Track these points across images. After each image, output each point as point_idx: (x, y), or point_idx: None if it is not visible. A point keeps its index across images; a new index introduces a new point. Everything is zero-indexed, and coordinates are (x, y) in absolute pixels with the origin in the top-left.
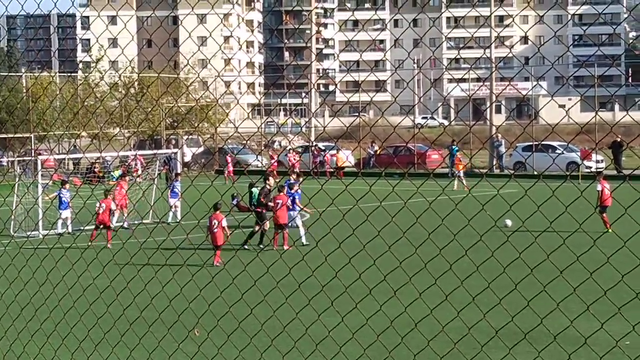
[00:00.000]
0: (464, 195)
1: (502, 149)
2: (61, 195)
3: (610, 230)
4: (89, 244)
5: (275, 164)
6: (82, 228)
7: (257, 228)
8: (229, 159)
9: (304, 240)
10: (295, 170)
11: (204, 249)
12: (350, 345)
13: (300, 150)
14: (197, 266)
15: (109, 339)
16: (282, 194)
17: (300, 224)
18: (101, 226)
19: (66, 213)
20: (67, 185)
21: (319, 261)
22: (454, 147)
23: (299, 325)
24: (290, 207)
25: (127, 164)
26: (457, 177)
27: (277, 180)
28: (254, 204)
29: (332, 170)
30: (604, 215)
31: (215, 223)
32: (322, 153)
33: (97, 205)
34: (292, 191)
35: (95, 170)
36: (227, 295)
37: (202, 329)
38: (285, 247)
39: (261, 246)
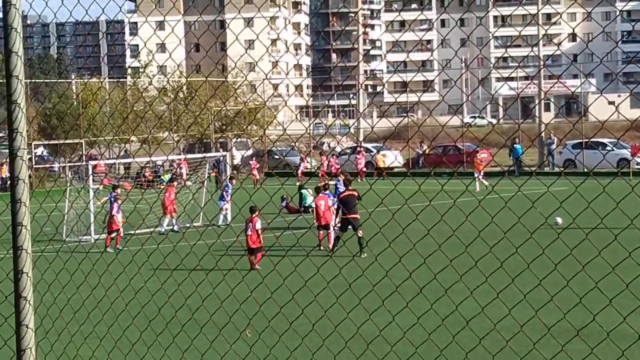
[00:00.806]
0: (512, 194)
1: (553, 146)
2: (112, 199)
3: None
4: (106, 249)
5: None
6: (132, 232)
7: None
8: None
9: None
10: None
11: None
12: (402, 345)
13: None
14: (247, 268)
15: (161, 341)
16: (322, 194)
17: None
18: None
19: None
20: (118, 190)
21: (369, 261)
22: (517, 145)
23: (350, 325)
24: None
25: (173, 169)
26: (477, 179)
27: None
28: (304, 206)
29: (374, 171)
30: None
31: (250, 226)
32: (369, 154)
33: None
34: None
35: (146, 174)
36: (277, 296)
37: (253, 330)
38: (331, 248)
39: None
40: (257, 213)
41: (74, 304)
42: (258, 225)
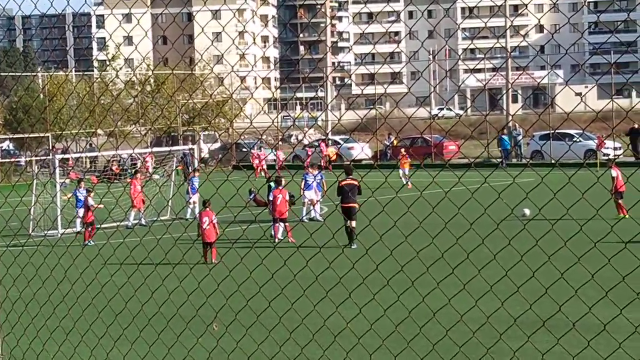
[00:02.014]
0: (478, 186)
1: (520, 138)
2: (77, 194)
3: (627, 216)
4: (86, 243)
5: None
6: (98, 226)
7: (348, 223)
8: (261, 154)
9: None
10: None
11: (220, 244)
12: (369, 337)
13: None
14: (215, 262)
15: (128, 335)
16: (280, 188)
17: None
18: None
19: (82, 212)
20: (83, 184)
21: (335, 253)
22: (505, 137)
23: (317, 317)
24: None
25: (137, 162)
26: (404, 175)
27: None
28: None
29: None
30: (620, 201)
31: (205, 220)
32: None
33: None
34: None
35: (113, 168)
36: (244, 290)
37: (220, 324)
38: (291, 240)
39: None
40: (209, 207)
41: (40, 298)
42: (215, 219)
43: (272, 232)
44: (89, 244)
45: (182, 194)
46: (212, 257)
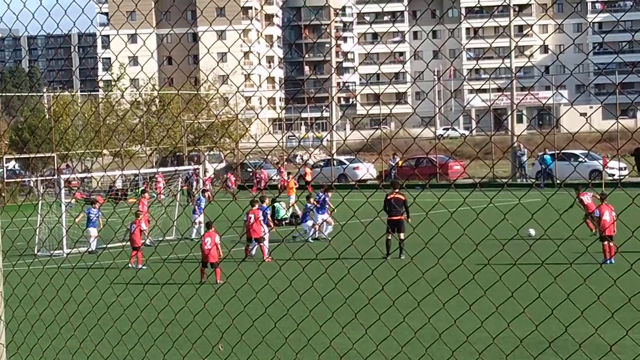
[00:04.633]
0: (483, 206)
1: (524, 158)
2: (90, 214)
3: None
4: (130, 265)
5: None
6: (105, 246)
7: (389, 236)
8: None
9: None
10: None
11: (227, 261)
12: (375, 358)
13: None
14: (221, 282)
15: (134, 356)
16: (255, 208)
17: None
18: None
19: (94, 231)
20: (97, 205)
21: (341, 273)
22: (547, 156)
23: (323, 338)
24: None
25: (147, 182)
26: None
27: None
28: (277, 219)
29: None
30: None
31: (207, 241)
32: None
33: (129, 226)
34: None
35: (119, 187)
36: (250, 310)
37: (226, 344)
38: (267, 259)
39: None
40: (213, 228)
41: (45, 319)
42: (217, 240)
43: (250, 252)
44: (143, 267)
45: (188, 214)
46: (217, 277)
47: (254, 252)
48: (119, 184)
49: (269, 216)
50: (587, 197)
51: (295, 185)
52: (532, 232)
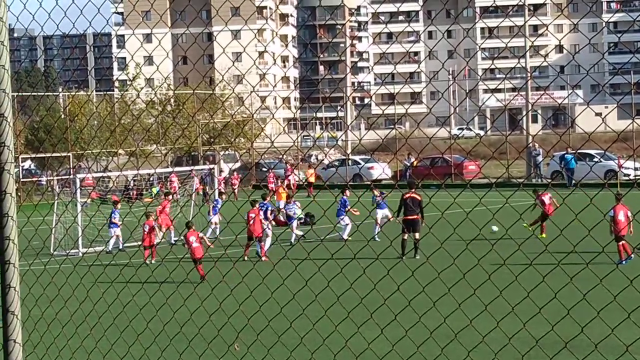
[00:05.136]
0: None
1: (540, 158)
2: (114, 214)
3: (544, 236)
4: (145, 263)
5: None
6: (120, 246)
7: (405, 236)
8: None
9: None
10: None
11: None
12: (391, 357)
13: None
14: (236, 281)
15: (150, 355)
16: (255, 208)
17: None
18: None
19: (118, 231)
20: (119, 205)
21: (357, 273)
22: (568, 155)
23: (339, 338)
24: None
25: (162, 182)
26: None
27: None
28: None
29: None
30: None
31: (192, 239)
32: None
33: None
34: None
35: (134, 187)
36: (266, 310)
37: (242, 344)
38: (264, 259)
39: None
40: (193, 227)
41: (61, 318)
42: (201, 235)
43: (258, 251)
44: (149, 263)
45: (203, 214)
46: (200, 273)
47: (263, 250)
48: (130, 184)
49: (269, 213)
50: (547, 198)
51: (284, 191)
52: (495, 228)
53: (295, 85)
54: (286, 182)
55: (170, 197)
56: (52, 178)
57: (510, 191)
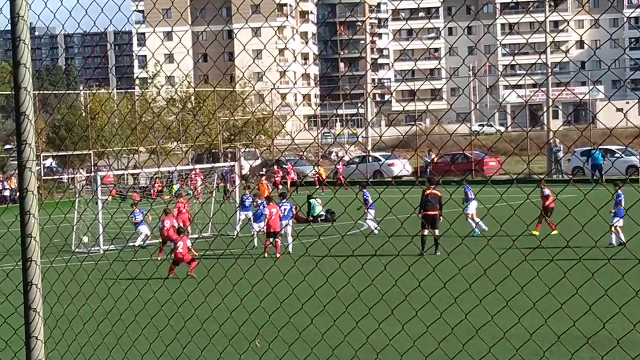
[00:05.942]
0: (520, 201)
1: (561, 154)
2: (136, 212)
3: (556, 232)
4: (158, 258)
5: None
6: (141, 243)
7: (425, 232)
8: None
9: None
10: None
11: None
12: (411, 354)
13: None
14: (257, 278)
15: (171, 352)
16: (272, 203)
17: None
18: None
19: (145, 229)
20: (137, 205)
21: (378, 270)
22: (596, 152)
23: (360, 334)
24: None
25: (183, 180)
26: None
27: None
28: (313, 215)
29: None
30: (549, 219)
31: (180, 244)
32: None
33: (161, 223)
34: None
35: (156, 185)
36: (287, 306)
37: (263, 340)
38: (278, 255)
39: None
40: (184, 233)
41: (83, 315)
42: (188, 244)
43: (272, 247)
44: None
45: (224, 211)
46: (190, 269)
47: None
48: (143, 182)
49: (294, 211)
50: (547, 191)
51: (268, 189)
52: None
53: (316, 82)
54: (288, 179)
55: (182, 198)
56: (73, 175)
57: (531, 187)
